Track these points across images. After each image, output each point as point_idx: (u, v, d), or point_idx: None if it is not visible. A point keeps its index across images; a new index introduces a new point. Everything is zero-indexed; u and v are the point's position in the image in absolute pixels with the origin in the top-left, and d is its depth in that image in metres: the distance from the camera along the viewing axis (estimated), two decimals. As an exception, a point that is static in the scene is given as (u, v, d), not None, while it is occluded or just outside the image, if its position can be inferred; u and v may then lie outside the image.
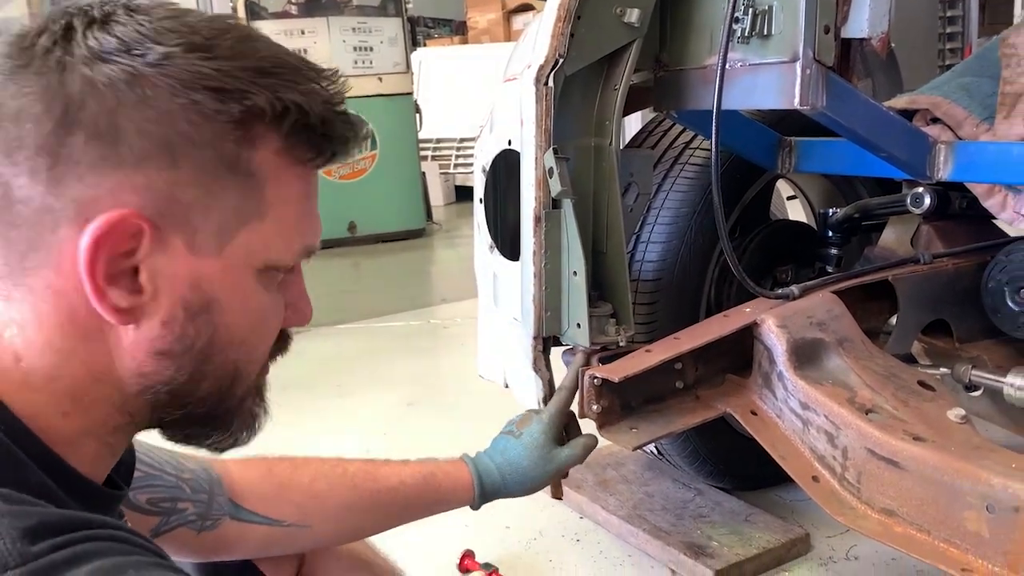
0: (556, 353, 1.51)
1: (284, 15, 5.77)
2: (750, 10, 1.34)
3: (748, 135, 1.75)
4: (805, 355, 1.37)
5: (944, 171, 1.54)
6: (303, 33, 5.63)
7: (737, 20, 1.34)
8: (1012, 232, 1.71)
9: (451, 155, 7.85)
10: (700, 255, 1.75)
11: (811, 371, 1.36)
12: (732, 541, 1.73)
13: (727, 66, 1.34)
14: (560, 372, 1.46)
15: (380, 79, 5.78)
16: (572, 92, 1.44)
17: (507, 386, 1.63)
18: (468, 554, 1.76)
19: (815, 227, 2.01)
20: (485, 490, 1.20)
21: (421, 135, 6.19)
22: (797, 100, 1.31)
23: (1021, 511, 1.04)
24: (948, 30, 4.32)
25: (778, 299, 1.48)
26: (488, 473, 1.21)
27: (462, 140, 7.70)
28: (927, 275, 1.61)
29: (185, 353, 0.63)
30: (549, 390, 1.47)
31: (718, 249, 1.75)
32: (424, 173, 6.33)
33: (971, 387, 1.61)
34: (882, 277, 1.56)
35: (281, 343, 0.73)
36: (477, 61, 7.59)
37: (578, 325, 1.42)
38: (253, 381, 0.71)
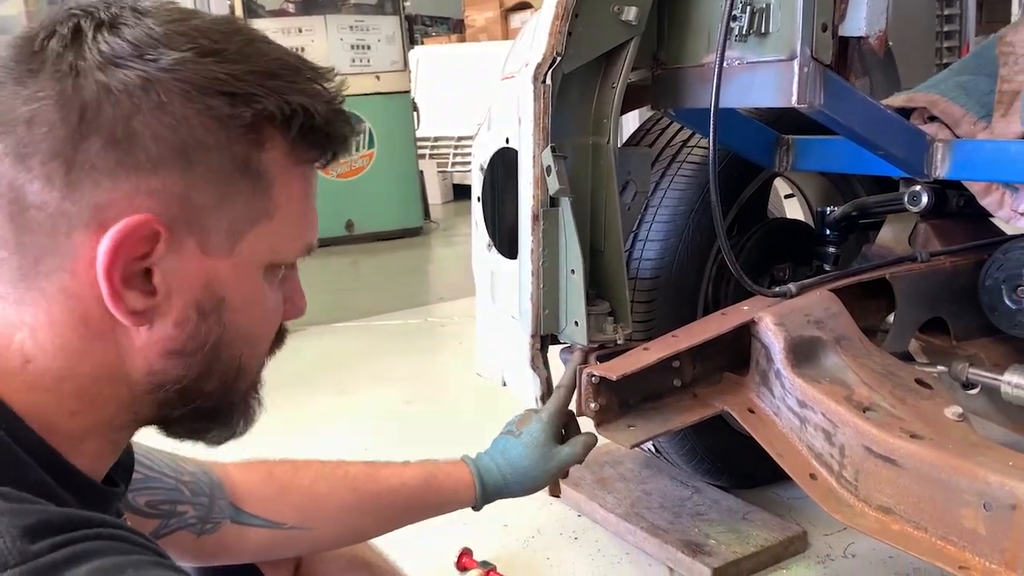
0: (554, 351, 1.51)
1: (282, 13, 5.75)
2: (748, 8, 1.34)
3: (746, 133, 1.75)
4: (803, 353, 1.37)
5: (941, 169, 1.54)
6: (300, 31, 5.61)
7: (735, 18, 1.34)
8: (1009, 230, 1.71)
9: (449, 153, 7.85)
10: (698, 253, 1.75)
11: (809, 369, 1.36)
12: (730, 539, 1.74)
13: (725, 64, 1.34)
14: (558, 370, 1.46)
15: (378, 77, 5.77)
16: (570, 90, 1.44)
17: (505, 384, 1.63)
18: (466, 552, 1.76)
19: (813, 225, 2.01)
20: (487, 490, 1.20)
21: (419, 133, 6.18)
22: (795, 98, 1.31)
23: (1018, 508, 1.05)
24: (945, 28, 4.31)
25: (776, 297, 1.48)
26: (489, 473, 1.21)
27: (460, 138, 7.68)
28: (924, 273, 1.61)
29: (197, 352, 0.64)
30: (547, 388, 1.47)
31: (716, 247, 1.75)
32: (422, 171, 6.32)
33: (968, 385, 1.61)
34: (880, 275, 1.57)
35: (279, 337, 0.74)
36: (475, 59, 7.57)
37: (576, 323, 1.42)
38: (255, 375, 0.72)
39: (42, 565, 0.50)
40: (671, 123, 1.82)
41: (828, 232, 1.88)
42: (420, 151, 6.57)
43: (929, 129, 1.58)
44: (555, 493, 1.42)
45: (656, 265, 1.73)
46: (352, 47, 5.72)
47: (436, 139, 7.75)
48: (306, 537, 1.03)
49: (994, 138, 1.53)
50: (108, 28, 0.60)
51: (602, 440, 1.38)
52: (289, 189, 0.66)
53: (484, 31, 8.95)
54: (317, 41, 5.60)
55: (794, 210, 2.39)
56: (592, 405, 1.38)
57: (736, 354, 1.47)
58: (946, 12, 4.40)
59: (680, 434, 1.79)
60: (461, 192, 7.49)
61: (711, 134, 1.36)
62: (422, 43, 9.30)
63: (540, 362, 1.47)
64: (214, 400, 0.68)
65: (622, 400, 1.41)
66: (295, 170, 0.66)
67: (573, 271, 1.40)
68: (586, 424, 1.37)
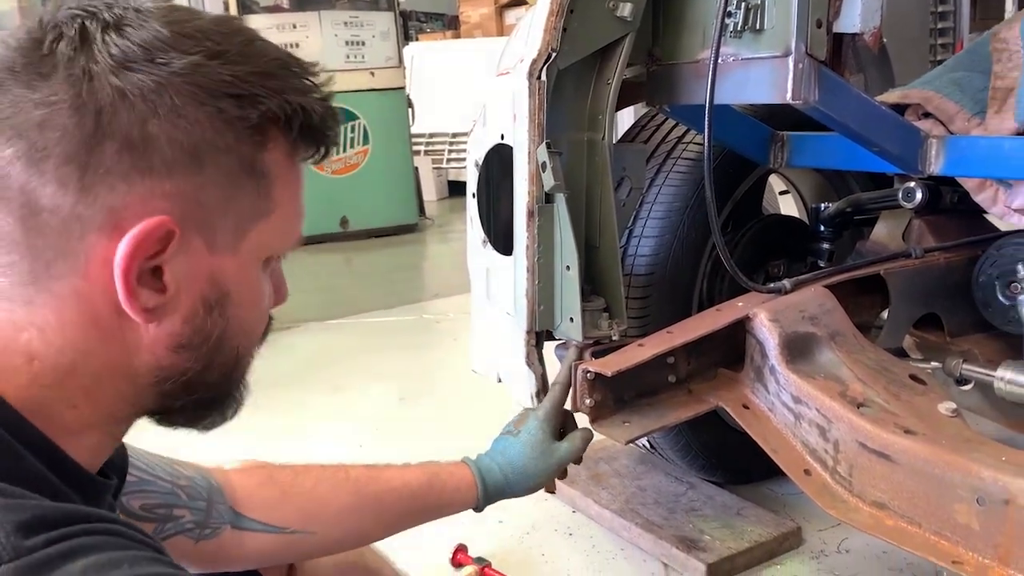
0: (549, 347, 1.51)
1: (276, 9, 5.73)
2: (742, 5, 1.34)
3: (740, 130, 1.75)
4: (797, 349, 1.38)
5: (935, 166, 1.54)
6: (295, 27, 5.59)
7: (729, 15, 1.34)
8: (1003, 226, 1.71)
9: (444, 150, 7.84)
10: (692, 249, 1.75)
11: (803, 365, 1.37)
12: (724, 535, 1.74)
13: (719, 60, 1.34)
14: (553, 366, 1.46)
15: (372, 74, 5.76)
16: (565, 86, 1.44)
17: (500, 380, 1.63)
18: (461, 548, 1.76)
19: (807, 222, 2.01)
20: (488, 491, 1.20)
21: (413, 130, 6.17)
22: (789, 94, 1.31)
23: (1011, 503, 1.05)
24: (939, 25, 4.32)
25: (770, 293, 1.49)
26: (490, 473, 1.21)
27: (455, 135, 7.68)
28: (919, 269, 1.61)
29: (202, 345, 0.66)
30: (542, 384, 1.47)
31: (710, 243, 1.75)
32: (417, 168, 6.31)
33: (962, 381, 1.62)
34: (874, 271, 1.57)
35: (267, 326, 0.75)
36: (470, 55, 7.55)
37: (571, 319, 1.42)
38: (248, 364, 0.73)
39: (37, 560, 0.50)
40: (666, 119, 1.82)
41: (823, 228, 1.88)
42: (415, 147, 6.57)
43: (923, 125, 1.59)
44: (550, 489, 1.42)
45: (651, 261, 1.73)
46: (347, 43, 5.70)
47: (431, 135, 7.74)
48: (309, 541, 1.02)
49: (988, 134, 1.54)
50: (114, 30, 0.60)
51: (597, 436, 1.38)
52: (287, 186, 0.68)
53: (479, 27, 8.95)
54: (312, 37, 5.59)
55: (789, 206, 2.40)
56: (587, 401, 1.38)
57: (731, 350, 1.47)
58: (940, 9, 4.41)
59: (675, 430, 1.79)
60: (456, 188, 7.49)
61: (706, 130, 1.37)
62: (417, 39, 9.30)
63: (535, 358, 1.47)
64: (214, 390, 0.70)
65: (617, 396, 1.42)
66: (293, 168, 0.68)
67: (568, 267, 1.40)
68: (581, 420, 1.38)
